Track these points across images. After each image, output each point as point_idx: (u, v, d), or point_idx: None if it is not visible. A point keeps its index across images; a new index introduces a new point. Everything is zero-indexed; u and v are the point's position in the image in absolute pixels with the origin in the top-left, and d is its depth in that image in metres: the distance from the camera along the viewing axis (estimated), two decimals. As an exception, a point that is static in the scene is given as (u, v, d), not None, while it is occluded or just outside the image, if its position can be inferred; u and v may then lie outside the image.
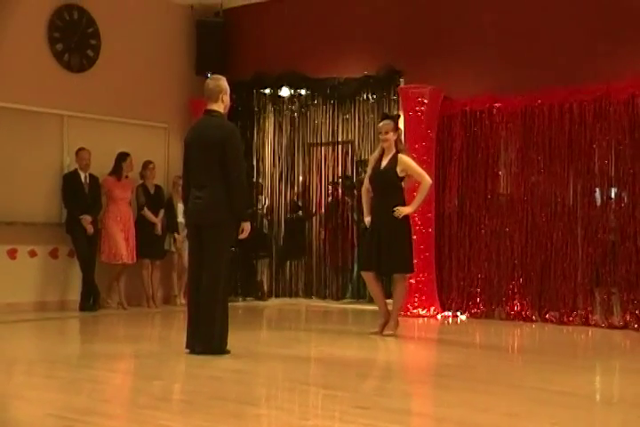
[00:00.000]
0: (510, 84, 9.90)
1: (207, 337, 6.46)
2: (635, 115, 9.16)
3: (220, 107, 6.65)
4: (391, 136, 8.01)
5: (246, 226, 6.61)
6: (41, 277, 10.32)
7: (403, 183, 8.12)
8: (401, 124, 8.83)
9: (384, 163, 8.02)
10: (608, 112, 9.32)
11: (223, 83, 6.68)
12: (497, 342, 8.37)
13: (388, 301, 8.17)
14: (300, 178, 12.56)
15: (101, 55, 11.04)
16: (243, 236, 6.61)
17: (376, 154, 8.21)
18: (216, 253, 6.48)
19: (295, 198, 12.53)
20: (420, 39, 10.71)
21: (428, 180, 8.03)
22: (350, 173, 12.20)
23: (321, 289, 12.36)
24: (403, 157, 7.99)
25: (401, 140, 8.33)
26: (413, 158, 8.31)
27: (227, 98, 6.68)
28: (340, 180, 12.21)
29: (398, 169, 7.93)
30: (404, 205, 7.96)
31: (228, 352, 6.53)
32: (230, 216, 6.48)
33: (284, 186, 12.56)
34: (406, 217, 7.95)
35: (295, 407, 4.85)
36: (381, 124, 8.15)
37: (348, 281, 12.15)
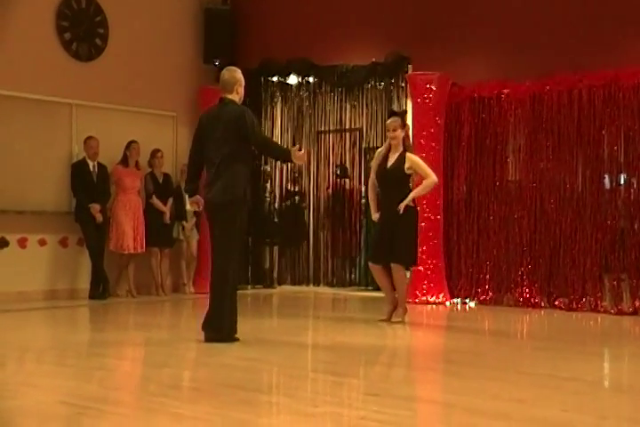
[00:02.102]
0: (519, 70, 9.86)
1: (217, 325, 6.50)
2: (644, 100, 9.13)
3: (235, 97, 6.72)
4: (399, 133, 7.97)
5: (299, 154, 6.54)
6: (51, 266, 10.36)
7: (410, 179, 8.14)
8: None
9: (391, 161, 7.99)
10: (617, 98, 9.28)
11: (238, 74, 6.75)
12: (506, 328, 8.38)
13: None
14: (308, 165, 12.57)
15: (109, 44, 11.03)
16: (300, 156, 6.51)
17: (383, 150, 8.14)
18: (225, 237, 6.50)
19: (288, 186, 12.54)
20: (428, 26, 10.66)
21: (434, 178, 7.98)
22: (351, 161, 12.20)
23: (329, 277, 12.38)
24: (411, 157, 7.96)
25: (409, 137, 8.31)
26: (422, 158, 8.30)
27: (241, 89, 6.74)
28: (338, 169, 12.22)
29: (405, 166, 7.92)
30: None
31: (236, 340, 6.55)
32: (242, 199, 6.51)
33: (292, 173, 12.57)
34: (415, 213, 7.96)
35: (304, 394, 4.87)
36: (389, 120, 8.11)
37: (354, 268, 12.19)
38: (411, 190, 8.06)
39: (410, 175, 8.05)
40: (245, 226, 6.67)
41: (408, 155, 7.94)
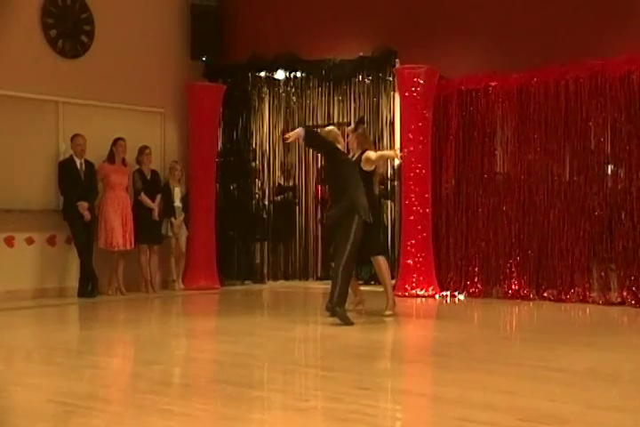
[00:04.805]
0: (506, 62, 9.88)
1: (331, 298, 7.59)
2: (630, 91, 9.16)
3: (338, 147, 8.08)
4: (350, 138, 8.47)
5: None
6: (39, 265, 10.30)
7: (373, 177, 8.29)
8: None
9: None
10: (604, 89, 9.31)
11: (333, 132, 8.16)
12: (495, 320, 8.40)
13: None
14: (295, 161, 12.60)
15: (95, 41, 10.96)
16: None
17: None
18: (345, 243, 7.68)
19: (280, 182, 12.52)
20: (415, 19, 10.65)
21: (372, 154, 8.16)
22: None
23: (318, 271, 12.39)
24: (367, 153, 8.15)
25: (360, 138, 8.43)
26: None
27: (341, 139, 8.15)
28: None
29: (362, 164, 8.09)
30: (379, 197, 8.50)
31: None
32: (354, 218, 7.71)
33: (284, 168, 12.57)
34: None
35: (294, 389, 4.88)
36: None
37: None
38: (372, 188, 8.24)
39: (371, 173, 8.19)
40: (360, 232, 7.73)
41: (366, 153, 8.15)
